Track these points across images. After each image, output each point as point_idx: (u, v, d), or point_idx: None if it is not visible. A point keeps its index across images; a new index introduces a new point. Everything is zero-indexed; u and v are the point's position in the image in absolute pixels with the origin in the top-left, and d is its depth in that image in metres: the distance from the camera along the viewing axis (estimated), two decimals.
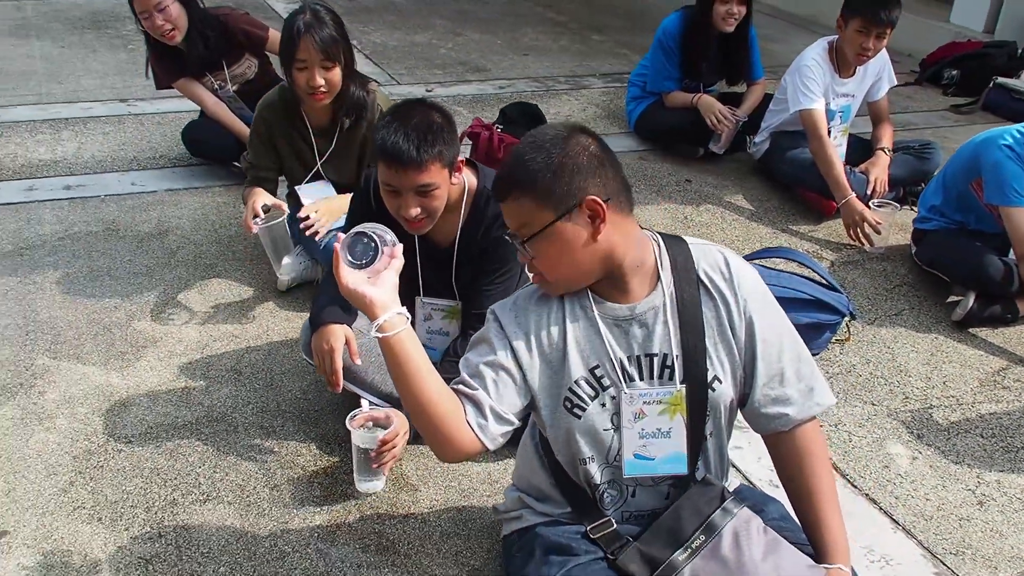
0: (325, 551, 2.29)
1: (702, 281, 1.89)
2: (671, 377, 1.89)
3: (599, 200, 1.76)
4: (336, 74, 3.14)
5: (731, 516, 1.86)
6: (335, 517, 2.41)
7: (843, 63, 4.34)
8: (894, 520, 2.53)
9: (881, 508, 2.57)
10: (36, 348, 2.98)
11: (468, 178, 2.58)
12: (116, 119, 4.84)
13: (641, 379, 1.90)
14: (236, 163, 4.17)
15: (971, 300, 3.46)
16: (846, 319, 3.28)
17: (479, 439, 1.84)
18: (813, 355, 3.12)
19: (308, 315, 2.66)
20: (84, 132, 4.65)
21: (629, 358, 1.90)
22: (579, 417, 1.91)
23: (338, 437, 2.68)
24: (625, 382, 1.90)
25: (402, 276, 2.37)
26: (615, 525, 1.95)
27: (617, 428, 1.92)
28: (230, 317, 3.22)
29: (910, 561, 2.39)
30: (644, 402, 1.90)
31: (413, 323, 2.11)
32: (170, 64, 4.11)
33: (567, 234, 1.79)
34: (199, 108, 4.28)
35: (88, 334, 3.08)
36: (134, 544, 2.28)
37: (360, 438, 2.40)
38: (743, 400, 1.93)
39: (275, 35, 4.15)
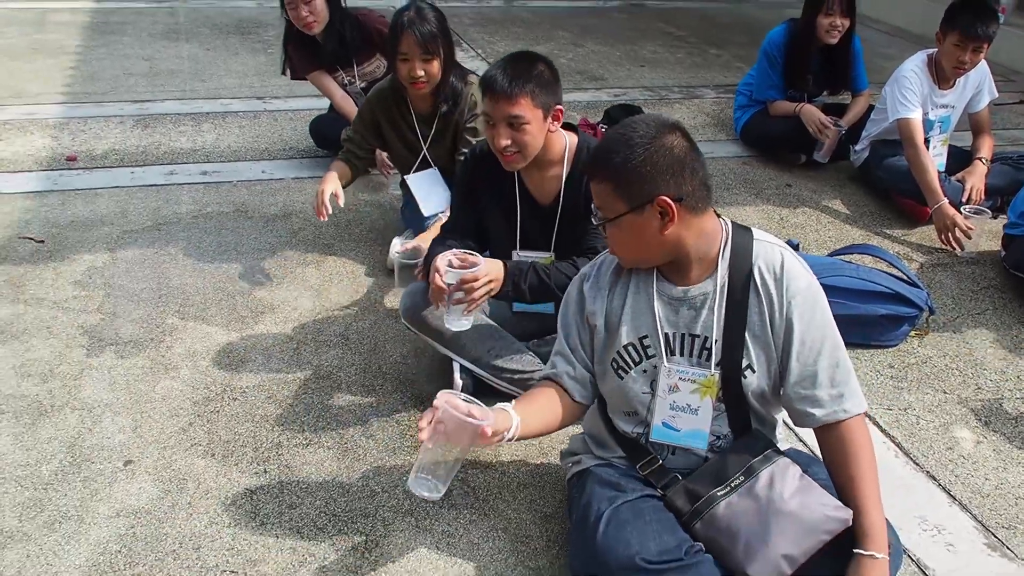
0: (411, 493, 2.54)
1: (754, 276, 2.04)
2: (708, 359, 2.07)
3: (670, 201, 1.94)
4: (435, 66, 3.41)
5: (771, 463, 2.04)
6: None
7: (942, 75, 4.41)
8: (951, 495, 2.64)
9: (940, 484, 2.68)
10: (167, 309, 3.33)
11: (569, 138, 2.83)
12: (252, 114, 5.24)
13: (682, 355, 2.10)
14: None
15: None
16: (925, 314, 3.39)
17: (581, 403, 2.24)
18: (890, 346, 3.31)
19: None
20: (222, 125, 5.05)
21: (674, 335, 2.10)
22: (621, 378, 2.15)
23: (431, 397, 2.90)
24: (667, 356, 2.10)
25: (501, 230, 2.70)
26: (661, 462, 2.16)
27: (653, 395, 2.13)
28: (342, 290, 3.52)
29: (963, 531, 2.50)
30: (680, 378, 2.10)
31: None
32: (306, 56, 4.47)
33: (637, 225, 1.99)
34: (327, 103, 4.63)
35: (213, 300, 3.41)
36: (242, 476, 2.57)
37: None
38: (777, 391, 2.10)
39: None
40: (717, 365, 2.07)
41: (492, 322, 2.91)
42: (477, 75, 3.62)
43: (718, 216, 2.09)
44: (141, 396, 2.87)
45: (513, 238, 2.91)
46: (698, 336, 2.09)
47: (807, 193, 4.68)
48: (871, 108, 4.89)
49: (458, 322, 2.63)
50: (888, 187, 4.59)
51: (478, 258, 2.61)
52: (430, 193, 3.70)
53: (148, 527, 2.38)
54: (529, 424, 2.12)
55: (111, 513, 2.42)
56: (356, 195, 4.30)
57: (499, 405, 2.09)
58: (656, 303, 2.11)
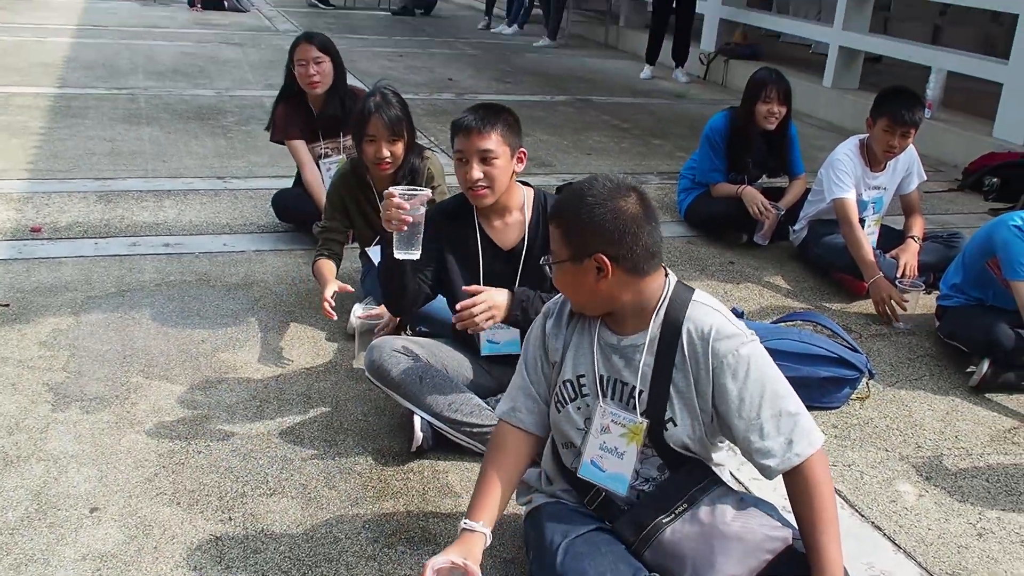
0: (374, 539, 2.61)
1: (681, 336, 2.15)
2: (634, 407, 2.22)
3: (607, 259, 2.09)
4: (400, 147, 3.60)
5: (711, 491, 2.16)
6: (385, 513, 2.73)
7: (873, 159, 4.68)
8: (896, 544, 2.76)
9: (884, 533, 2.80)
10: (131, 369, 3.40)
11: (526, 189, 3.10)
12: (213, 192, 5.36)
13: (612, 399, 2.25)
14: (316, 225, 4.62)
15: (985, 366, 3.70)
16: (865, 377, 3.56)
17: (541, 436, 2.38)
18: (833, 407, 3.48)
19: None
20: (184, 202, 5.17)
21: (607, 378, 2.26)
22: (559, 411, 2.30)
23: (392, 451, 3.02)
24: (601, 397, 2.24)
25: (464, 275, 2.90)
26: (604, 494, 2.28)
27: (586, 432, 2.26)
28: (304, 353, 3.62)
29: None
30: (612, 420, 2.24)
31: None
32: (292, 120, 4.64)
33: (575, 274, 2.17)
34: (290, 178, 4.77)
35: (177, 360, 3.49)
36: (207, 524, 2.63)
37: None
38: (704, 443, 2.20)
39: None
40: (643, 414, 2.21)
41: (453, 377, 3.03)
42: (433, 151, 3.80)
43: (666, 274, 2.24)
44: (107, 448, 2.93)
45: (479, 281, 3.06)
46: (627, 384, 2.22)
47: (749, 270, 4.89)
48: (807, 191, 5.16)
49: (407, 251, 2.77)
50: (826, 263, 4.82)
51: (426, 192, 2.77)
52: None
53: (114, 570, 2.42)
54: (497, 514, 2.28)
55: (77, 557, 2.46)
56: None
57: (466, 525, 2.22)
58: (596, 346, 2.25)
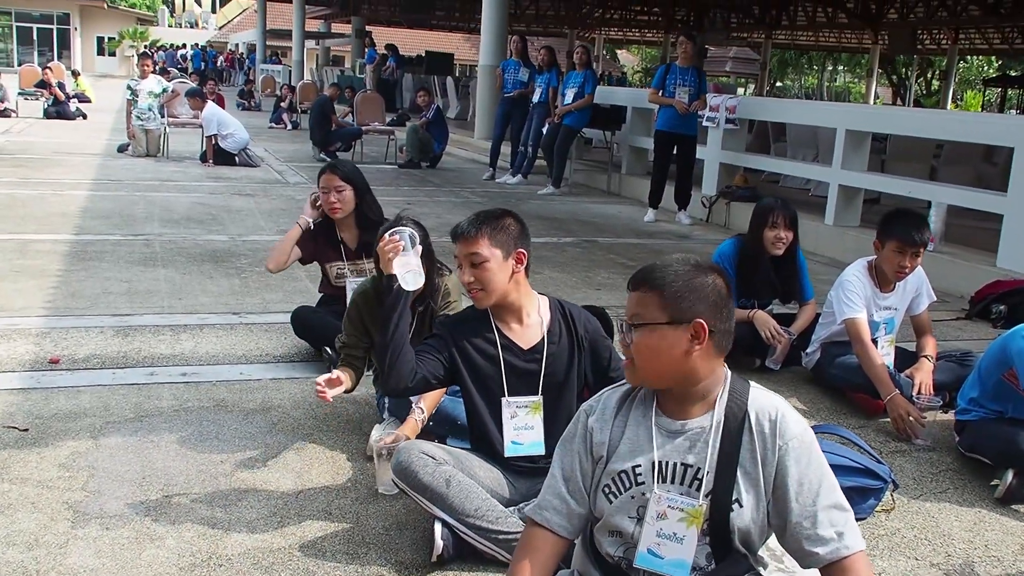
0: None
1: (749, 418, 2.19)
2: (698, 489, 2.21)
3: (706, 327, 2.15)
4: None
5: None
6: None
7: (883, 279, 4.75)
8: None
9: None
10: (150, 488, 3.37)
11: (540, 297, 3.22)
12: (229, 326, 5.42)
13: (672, 483, 2.23)
14: (328, 349, 4.67)
15: (1010, 477, 3.67)
16: (890, 487, 3.52)
17: (569, 539, 2.35)
18: (858, 519, 3.41)
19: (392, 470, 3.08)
20: (200, 335, 5.22)
21: (666, 463, 2.24)
22: (611, 502, 2.27)
23: (415, 563, 2.97)
24: (657, 483, 2.23)
25: (486, 377, 3.08)
26: None
27: (640, 520, 2.24)
28: (323, 472, 3.59)
29: None
30: (669, 505, 2.23)
31: (501, 427, 2.71)
32: (321, 241, 4.84)
33: (668, 339, 2.18)
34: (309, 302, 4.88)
35: (196, 479, 3.46)
36: None
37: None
38: (780, 533, 2.22)
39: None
40: (707, 495, 2.19)
41: (479, 486, 3.01)
42: (450, 269, 3.88)
43: (723, 364, 2.28)
44: (127, 563, 2.88)
45: (500, 384, 3.08)
46: (691, 466, 2.22)
47: None
48: (817, 316, 5.22)
49: (412, 276, 3.06)
50: (841, 384, 4.83)
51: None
52: None
53: None
54: None
55: None
56: None
57: None
58: (654, 432, 2.25)
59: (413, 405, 3.64)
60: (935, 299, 4.99)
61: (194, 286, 6.32)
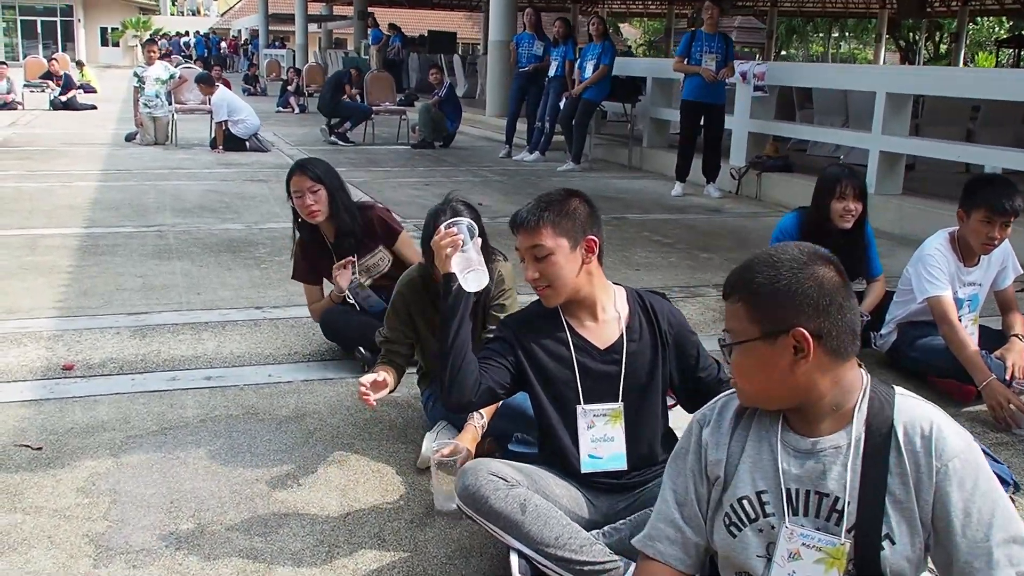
0: None
1: (896, 434, 1.79)
2: (838, 523, 1.81)
3: (808, 335, 1.75)
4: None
5: None
6: None
7: (967, 253, 4.34)
8: None
9: None
10: (180, 515, 3.00)
11: (617, 288, 2.84)
12: (252, 323, 5.03)
13: (806, 515, 1.83)
14: (362, 349, 4.28)
15: None
16: (1010, 490, 3.13)
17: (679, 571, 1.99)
18: None
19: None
20: (222, 333, 4.84)
21: (798, 491, 1.84)
22: (734, 536, 1.88)
23: None
24: (788, 515, 1.84)
25: (560, 383, 2.71)
26: None
27: (769, 560, 1.85)
28: (371, 489, 3.21)
29: None
30: (803, 543, 1.82)
31: (576, 439, 2.31)
32: (311, 257, 4.44)
33: (766, 356, 1.79)
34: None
35: (231, 503, 3.08)
36: None
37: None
38: (945, 574, 1.79)
39: (406, 237, 4.41)
40: (849, 531, 1.80)
41: (558, 509, 2.62)
42: (504, 255, 3.49)
43: (860, 366, 1.88)
44: None
45: (575, 390, 2.74)
46: (827, 495, 1.82)
47: None
48: (888, 293, 4.82)
49: (475, 275, 2.66)
50: (924, 369, 4.43)
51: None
52: None
53: None
54: None
55: None
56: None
57: None
58: (780, 454, 1.86)
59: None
60: (1022, 272, 4.57)
61: (212, 279, 5.94)
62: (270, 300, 5.49)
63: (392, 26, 27.24)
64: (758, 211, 9.47)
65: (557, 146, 13.29)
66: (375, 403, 3.11)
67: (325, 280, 4.54)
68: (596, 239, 2.73)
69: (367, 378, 3.13)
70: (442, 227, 2.72)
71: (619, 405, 2.77)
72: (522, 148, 13.23)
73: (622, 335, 2.78)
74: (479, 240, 2.81)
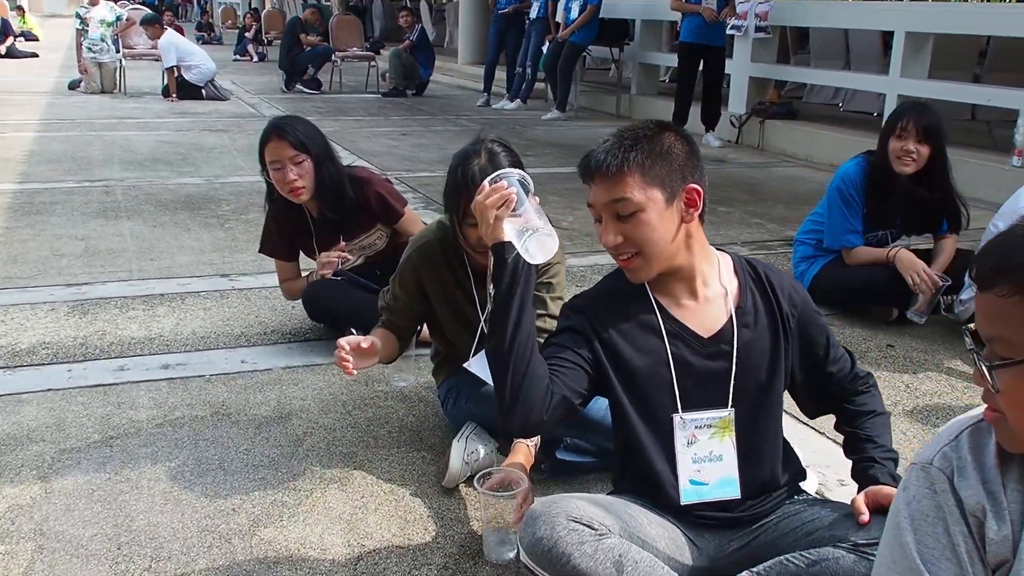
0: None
1: None
2: None
3: None
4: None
5: None
6: None
7: None
8: None
9: None
10: (132, 567, 2.22)
11: (720, 255, 2.11)
12: (218, 294, 4.23)
13: None
14: (355, 330, 3.50)
15: None
16: None
17: None
18: None
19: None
20: (182, 308, 4.03)
21: None
22: None
23: None
24: None
25: (650, 383, 1.98)
26: None
27: None
28: (384, 520, 2.44)
29: None
30: None
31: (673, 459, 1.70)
32: (286, 235, 3.66)
33: None
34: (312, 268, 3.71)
35: (199, 546, 2.31)
36: None
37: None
38: None
39: (412, 215, 3.63)
40: None
41: (662, 564, 1.88)
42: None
43: None
44: None
45: (670, 393, 2.01)
46: None
47: (917, 354, 3.79)
48: (964, 252, 4.13)
49: (537, 239, 1.91)
50: None
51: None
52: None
53: None
54: None
55: None
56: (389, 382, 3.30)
57: None
58: None
59: None
60: None
61: (168, 241, 5.10)
62: (238, 266, 4.68)
63: None
64: (764, 161, 8.75)
65: (538, 94, 12.48)
66: (355, 372, 2.46)
67: (302, 252, 3.75)
68: (700, 188, 1.98)
69: (350, 340, 2.46)
70: (486, 182, 1.94)
71: (729, 412, 2.04)
72: (501, 96, 12.39)
73: (731, 318, 2.04)
74: (535, 197, 2.04)
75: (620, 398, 2.02)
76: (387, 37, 20.85)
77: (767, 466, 2.07)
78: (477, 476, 2.26)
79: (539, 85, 12.39)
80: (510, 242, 1.90)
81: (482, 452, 2.62)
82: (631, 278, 2.01)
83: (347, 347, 2.45)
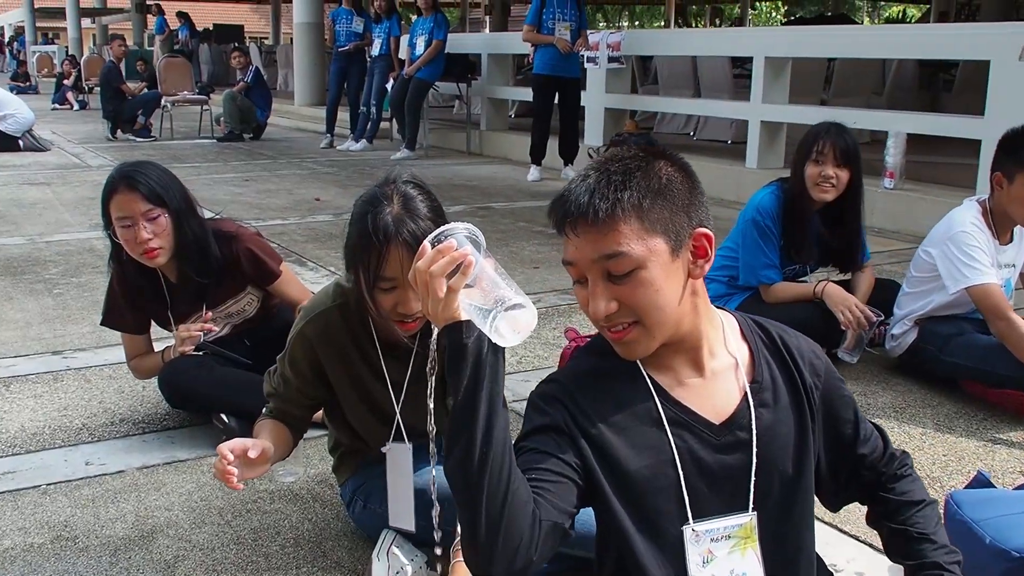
0: None
1: None
2: None
3: None
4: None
5: None
6: None
7: (1001, 227, 3.46)
8: None
9: None
10: None
11: (722, 314, 1.67)
12: (51, 376, 3.55)
13: None
14: (225, 417, 2.92)
15: None
16: None
17: None
18: None
19: None
20: (6, 397, 3.34)
21: None
22: None
23: None
24: None
25: (648, 503, 1.52)
26: None
27: None
28: None
29: None
30: None
31: None
32: (136, 301, 3.00)
33: None
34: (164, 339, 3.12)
35: None
36: None
37: None
38: None
39: (289, 274, 3.08)
40: None
41: None
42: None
43: None
44: None
45: (678, 498, 1.54)
46: None
47: (857, 398, 3.45)
48: (886, 283, 3.91)
49: (510, 304, 1.38)
50: (965, 376, 3.48)
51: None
52: (399, 487, 2.19)
53: None
54: None
55: None
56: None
57: None
58: None
59: (457, 527, 1.99)
60: None
61: None
62: (73, 339, 3.99)
63: (181, 14, 24.97)
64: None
65: (383, 133, 12.01)
66: (242, 485, 1.93)
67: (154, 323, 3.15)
68: (709, 232, 1.54)
69: (232, 445, 1.92)
70: (427, 243, 1.43)
71: (751, 517, 1.59)
72: (345, 137, 11.84)
73: (746, 396, 1.60)
74: (491, 256, 1.53)
75: (613, 508, 1.54)
76: (216, 83, 20.00)
77: None
78: None
79: (384, 125, 11.93)
80: (468, 321, 1.41)
81: (410, 570, 2.10)
82: (624, 354, 1.55)
83: (230, 456, 1.90)
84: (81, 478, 2.74)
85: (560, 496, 1.47)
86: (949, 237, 3.42)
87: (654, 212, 1.47)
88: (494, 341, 1.39)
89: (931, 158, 7.92)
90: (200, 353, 3.01)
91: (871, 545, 2.37)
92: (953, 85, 11.72)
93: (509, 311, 1.38)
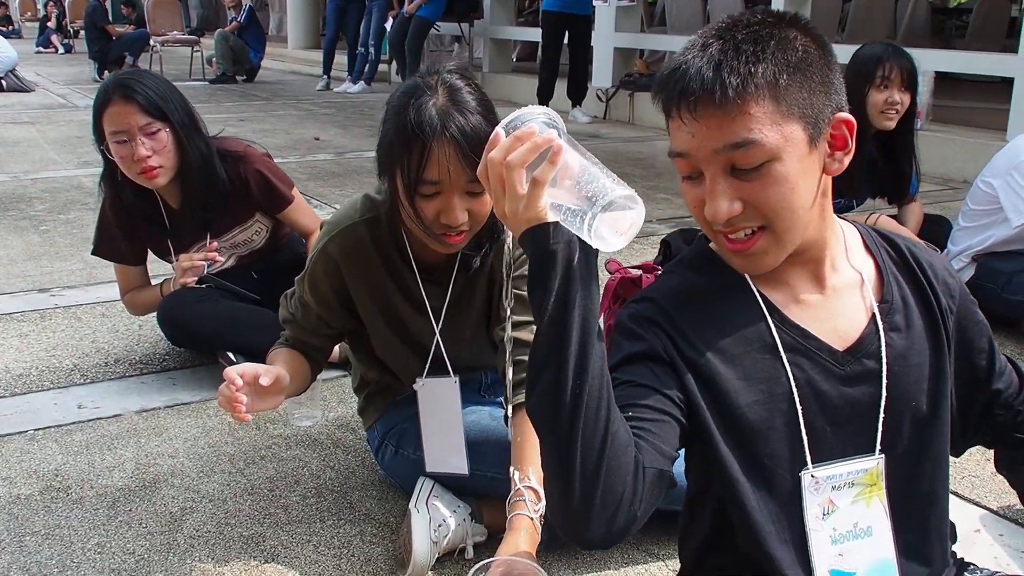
0: None
1: None
2: None
3: None
4: (485, 202, 1.69)
5: None
6: None
7: None
8: None
9: None
10: None
11: (844, 225, 1.37)
12: (37, 315, 3.27)
13: None
14: (231, 354, 2.64)
15: None
16: None
17: None
18: None
19: None
20: None
21: None
22: None
23: None
24: None
25: (760, 441, 1.27)
26: None
27: None
28: None
29: None
30: None
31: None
32: (132, 228, 2.69)
33: None
34: (161, 274, 2.85)
35: None
36: None
37: None
38: None
39: (302, 202, 2.79)
40: None
41: None
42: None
43: None
44: None
45: (796, 436, 1.27)
46: None
47: None
48: (934, 217, 3.64)
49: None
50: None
51: None
52: (443, 426, 1.92)
53: None
54: None
55: None
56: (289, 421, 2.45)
57: None
58: None
59: (512, 475, 1.72)
60: None
61: None
62: (61, 277, 3.71)
63: None
64: (641, 135, 8.18)
65: (382, 75, 11.65)
66: (250, 416, 1.66)
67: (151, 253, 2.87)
68: (849, 118, 1.24)
69: (243, 369, 1.67)
70: (500, 129, 1.13)
71: (878, 461, 1.32)
72: (342, 79, 11.48)
73: (874, 319, 1.32)
74: (576, 145, 1.22)
75: (719, 451, 1.27)
76: (207, 27, 19.49)
77: (934, 540, 1.37)
78: (472, 572, 1.47)
79: (382, 67, 11.56)
80: (556, 223, 1.12)
81: (452, 523, 1.83)
82: (744, 267, 1.27)
83: (239, 381, 1.63)
84: (73, 423, 2.47)
85: (663, 439, 1.20)
86: (1014, 166, 3.15)
87: (791, 92, 1.17)
88: (594, 246, 1.11)
89: (953, 103, 7.62)
90: (203, 286, 2.73)
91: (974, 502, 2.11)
92: (966, 32, 11.39)
93: (608, 208, 1.10)
